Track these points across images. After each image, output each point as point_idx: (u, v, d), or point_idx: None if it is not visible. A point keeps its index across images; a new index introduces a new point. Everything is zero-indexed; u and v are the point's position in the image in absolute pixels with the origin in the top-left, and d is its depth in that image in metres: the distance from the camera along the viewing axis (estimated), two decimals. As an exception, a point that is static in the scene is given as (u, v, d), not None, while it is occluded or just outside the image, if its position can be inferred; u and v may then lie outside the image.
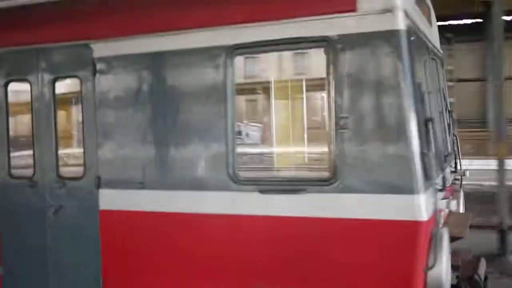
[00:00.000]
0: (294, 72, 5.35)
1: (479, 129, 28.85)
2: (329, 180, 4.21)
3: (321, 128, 4.43)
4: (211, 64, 4.58)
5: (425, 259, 4.03)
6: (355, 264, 4.18)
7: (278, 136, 5.20)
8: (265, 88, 5.82)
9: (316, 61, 4.87)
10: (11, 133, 5.60)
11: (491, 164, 12.33)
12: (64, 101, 5.81)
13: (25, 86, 5.44)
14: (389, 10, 4.04)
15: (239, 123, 4.93)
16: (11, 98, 5.59)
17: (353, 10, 4.12)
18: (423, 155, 4.04)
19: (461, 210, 6.37)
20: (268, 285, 4.37)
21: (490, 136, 24.48)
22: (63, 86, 5.43)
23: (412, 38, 4.21)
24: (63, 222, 5.29)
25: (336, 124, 4.17)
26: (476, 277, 5.15)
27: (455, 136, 6.96)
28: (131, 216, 4.96)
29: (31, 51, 5.38)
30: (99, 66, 5.04)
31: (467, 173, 6.64)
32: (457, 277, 5.18)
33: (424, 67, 5.02)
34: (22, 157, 5.68)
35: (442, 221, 4.73)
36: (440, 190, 4.66)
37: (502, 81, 10.71)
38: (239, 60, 4.56)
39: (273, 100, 4.53)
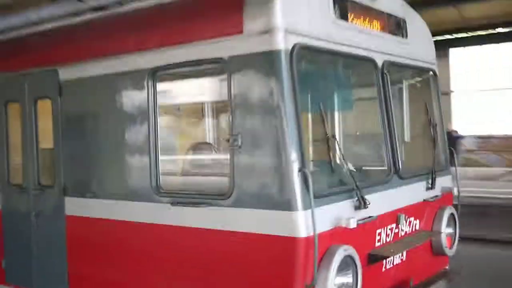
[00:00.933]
0: (206, 91, 5.59)
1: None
2: (226, 195, 4.43)
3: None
4: (138, 86, 5.00)
5: (306, 275, 4.09)
6: (247, 276, 4.35)
7: (190, 154, 5.50)
8: (182, 108, 6.14)
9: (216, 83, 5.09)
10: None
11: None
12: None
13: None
14: (269, 31, 4.15)
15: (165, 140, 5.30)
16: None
17: (240, 32, 4.29)
18: (303, 173, 4.08)
19: (442, 227, 6.09)
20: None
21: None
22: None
23: (302, 56, 4.26)
24: (41, 222, 6.07)
25: (230, 142, 4.37)
26: None
27: (451, 149, 6.63)
28: (86, 221, 5.56)
29: (19, 76, 6.23)
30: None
31: None
32: None
33: (347, 82, 4.96)
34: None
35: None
36: (359, 208, 4.64)
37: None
38: (163, 82, 4.95)
39: (184, 120, 4.85)
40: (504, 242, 11.93)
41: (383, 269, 5.23)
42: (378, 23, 5.50)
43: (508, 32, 23.95)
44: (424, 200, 5.90)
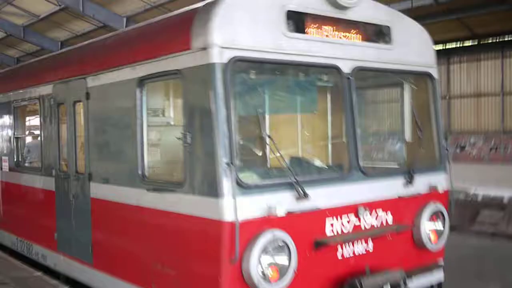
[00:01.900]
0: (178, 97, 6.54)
1: None
2: (181, 183, 5.34)
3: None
4: (130, 92, 6.08)
5: (232, 252, 4.84)
6: (190, 249, 5.28)
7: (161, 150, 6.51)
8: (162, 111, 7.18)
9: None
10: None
11: None
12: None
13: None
14: (206, 47, 4.97)
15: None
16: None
17: (189, 48, 5.16)
18: (230, 167, 4.84)
19: (422, 223, 6.40)
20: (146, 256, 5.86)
21: None
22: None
23: (240, 68, 5.02)
24: (76, 203, 7.46)
25: (182, 139, 5.26)
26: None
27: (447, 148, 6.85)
28: (103, 203, 6.80)
29: (55, 84, 7.69)
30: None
31: None
32: None
33: (300, 88, 5.57)
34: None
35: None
36: (299, 199, 5.28)
37: None
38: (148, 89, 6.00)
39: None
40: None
41: (340, 256, 5.75)
42: (350, 32, 5.98)
43: None
44: (399, 196, 6.26)
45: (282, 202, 5.16)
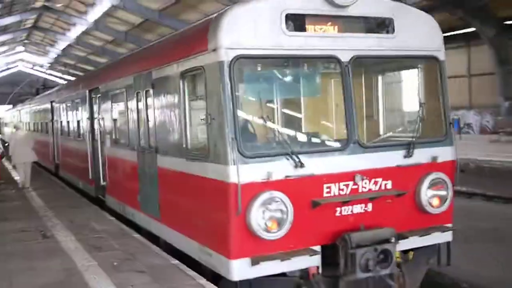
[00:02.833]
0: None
1: None
2: (206, 155, 6.90)
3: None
4: (177, 83, 7.73)
5: (236, 207, 6.29)
6: (207, 203, 6.88)
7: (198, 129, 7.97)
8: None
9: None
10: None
11: None
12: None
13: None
14: (216, 48, 6.43)
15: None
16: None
17: (207, 49, 6.65)
18: (234, 141, 6.29)
19: (423, 189, 7.35)
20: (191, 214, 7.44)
21: None
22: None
23: (244, 64, 6.41)
24: (149, 171, 9.36)
25: (205, 119, 6.79)
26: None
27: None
28: (165, 170, 8.60)
29: (134, 76, 9.60)
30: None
31: None
32: None
33: (302, 76, 6.82)
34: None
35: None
36: (295, 167, 6.58)
37: None
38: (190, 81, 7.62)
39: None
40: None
41: (338, 215, 6.94)
42: (349, 27, 7.05)
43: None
44: (398, 165, 7.25)
45: (281, 169, 6.50)
